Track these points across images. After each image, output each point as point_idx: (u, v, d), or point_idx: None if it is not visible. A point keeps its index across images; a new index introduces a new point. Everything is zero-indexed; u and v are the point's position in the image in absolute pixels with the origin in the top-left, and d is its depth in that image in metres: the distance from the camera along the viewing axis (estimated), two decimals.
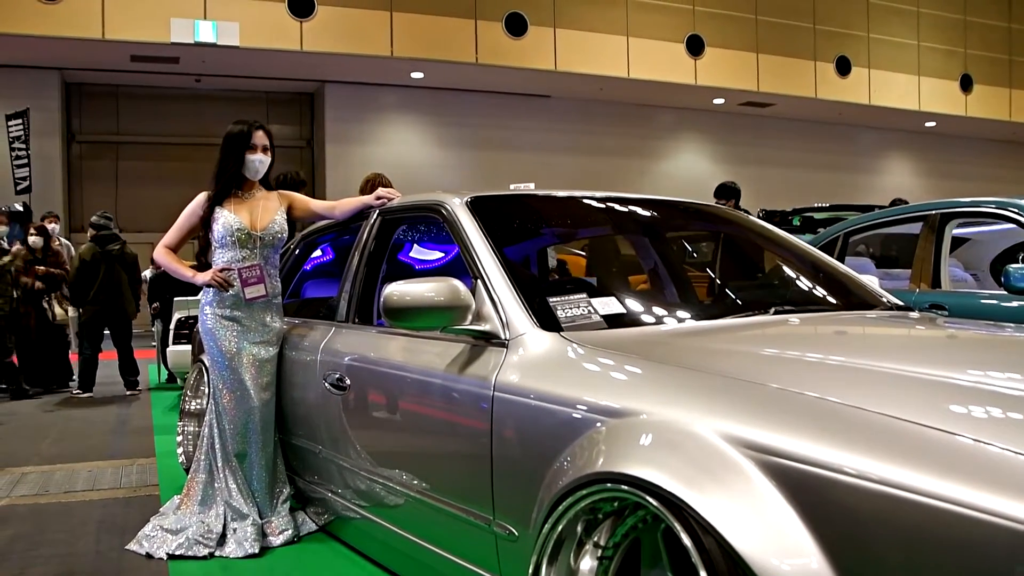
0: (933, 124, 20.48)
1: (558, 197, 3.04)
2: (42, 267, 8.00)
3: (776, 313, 2.39)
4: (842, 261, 4.51)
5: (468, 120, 17.25)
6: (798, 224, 7.88)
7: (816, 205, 9.07)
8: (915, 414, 1.35)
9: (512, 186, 3.15)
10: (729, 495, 1.40)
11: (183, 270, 3.39)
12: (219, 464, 3.28)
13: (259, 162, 3.36)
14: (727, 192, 7.24)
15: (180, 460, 4.13)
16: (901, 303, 2.75)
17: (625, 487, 1.57)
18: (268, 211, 3.38)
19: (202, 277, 3.30)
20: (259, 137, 3.37)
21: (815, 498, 1.32)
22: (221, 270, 3.28)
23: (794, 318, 2.37)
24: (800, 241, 3.13)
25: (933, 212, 4.29)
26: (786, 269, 3.04)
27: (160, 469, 4.57)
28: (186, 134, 16.03)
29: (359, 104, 16.58)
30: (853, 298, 2.72)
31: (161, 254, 3.44)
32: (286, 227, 3.42)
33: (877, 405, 1.40)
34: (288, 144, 16.74)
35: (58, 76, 15.30)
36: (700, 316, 2.49)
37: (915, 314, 2.60)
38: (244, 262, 3.30)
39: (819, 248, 3.95)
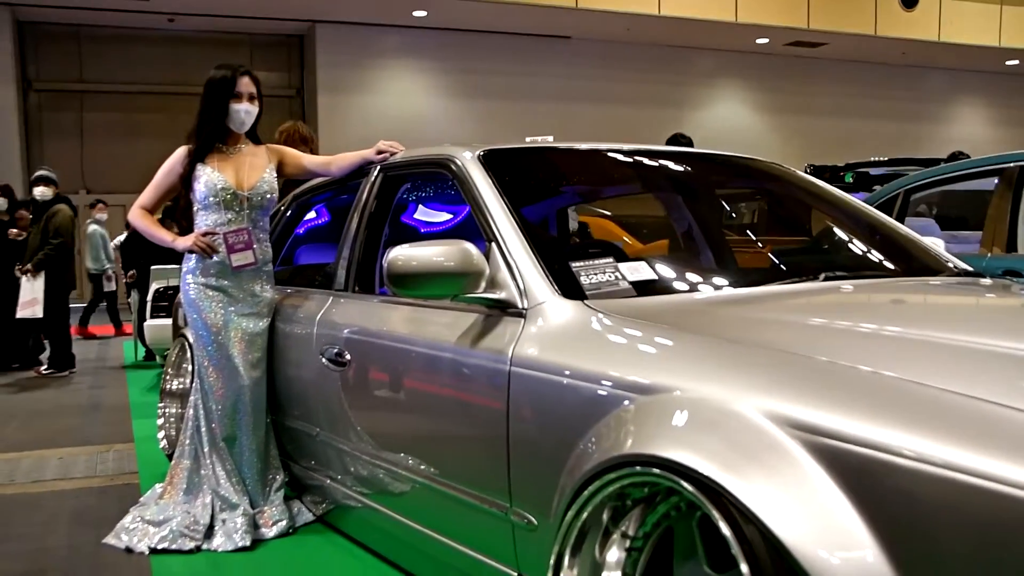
0: (1015, 62, 20.10)
1: (580, 150, 3.04)
2: (14, 230, 8.07)
3: (827, 279, 2.40)
4: (902, 222, 4.49)
5: (478, 65, 17.15)
6: (851, 181, 7.83)
7: (873, 159, 8.99)
8: (985, 391, 1.36)
9: (528, 139, 3.15)
10: (773, 480, 1.42)
11: (162, 234, 3.42)
12: (205, 449, 3.33)
13: (245, 112, 3.37)
14: (678, 145, 7.05)
15: (162, 445, 4.19)
16: (970, 268, 2.75)
17: (657, 471, 1.59)
18: (256, 168, 3.40)
19: (183, 242, 3.33)
20: (245, 84, 3.38)
21: (870, 484, 1.33)
22: (204, 234, 3.30)
23: (847, 285, 2.38)
24: (854, 199, 3.12)
25: (1011, 165, 4.25)
26: (838, 231, 3.03)
27: (139, 455, 4.64)
28: (159, 82, 16.02)
29: (355, 47, 16.51)
30: (914, 263, 2.72)
31: (137, 216, 3.46)
32: (276, 186, 3.44)
33: (941, 381, 1.41)
34: (275, 93, 16.69)
35: (9, 13, 15.23)
36: (740, 283, 2.51)
37: (986, 281, 2.60)
38: (230, 225, 3.33)
39: (876, 207, 3.93)
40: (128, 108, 16.19)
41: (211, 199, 3.32)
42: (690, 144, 6.95)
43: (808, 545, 1.34)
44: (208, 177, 3.32)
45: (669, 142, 7.02)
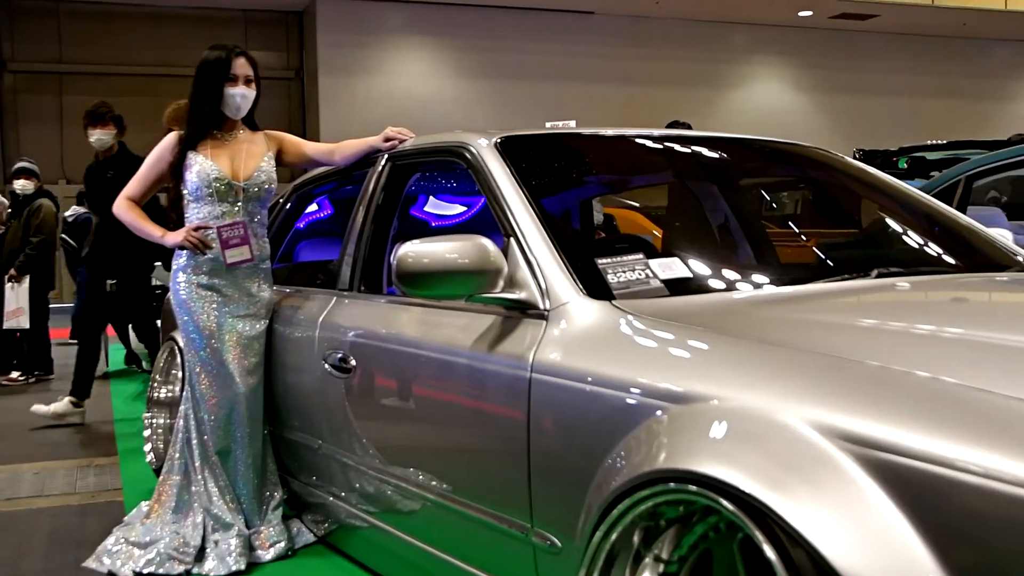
0: None
1: (606, 137, 3.04)
2: None
3: (879, 276, 2.39)
4: (964, 211, 4.46)
5: (494, 43, 17.15)
6: (906, 167, 7.79)
7: (929, 143, 8.93)
8: None
9: (549, 124, 3.15)
10: (823, 498, 1.41)
11: (149, 228, 3.43)
12: (196, 463, 3.34)
13: (241, 97, 3.38)
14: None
15: (148, 459, 4.22)
16: None
17: (693, 488, 1.58)
18: (253, 156, 3.41)
19: (172, 237, 3.34)
20: (240, 66, 3.39)
21: (932, 502, 1.32)
22: (196, 228, 3.31)
23: (902, 282, 2.37)
24: (909, 187, 3.11)
25: None
26: (891, 222, 3.02)
27: (123, 470, 4.66)
28: (146, 63, 16.09)
29: (360, 24, 16.54)
30: (978, 257, 2.71)
31: (122, 208, 3.48)
32: (275, 176, 3.45)
33: (1010, 388, 1.40)
34: (272, 75, 16.71)
35: None
36: (783, 280, 2.50)
37: None
38: (224, 218, 3.34)
39: (933, 196, 3.91)
40: (112, 91, 16.17)
41: (204, 190, 3.33)
42: (689, 130, 6.93)
43: (863, 571, 1.33)
44: (201, 166, 3.34)
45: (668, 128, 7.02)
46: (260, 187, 3.39)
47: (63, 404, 5.83)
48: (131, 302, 5.99)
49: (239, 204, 3.36)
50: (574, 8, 17.30)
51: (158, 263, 6.21)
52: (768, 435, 1.53)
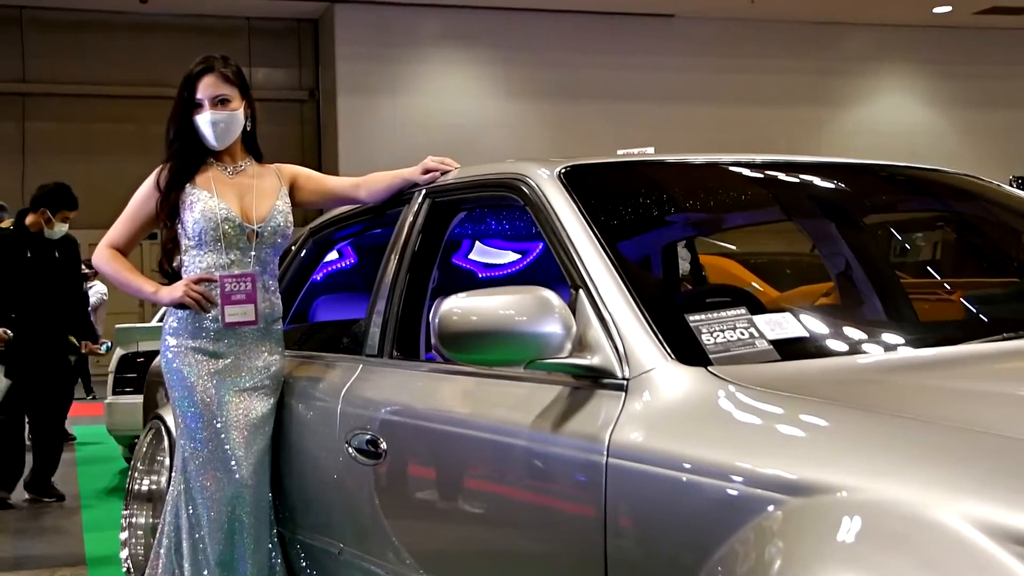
0: None
1: (694, 165, 3.05)
2: None
3: None
4: None
5: (550, 56, 17.32)
6: None
7: None
8: None
9: (622, 153, 3.17)
10: None
11: (140, 282, 3.43)
12: (187, 573, 3.34)
13: (213, 124, 3.37)
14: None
15: (125, 567, 4.21)
16: None
17: None
18: (265, 193, 3.43)
19: (169, 293, 3.31)
20: (206, 86, 3.38)
21: None
22: (197, 281, 3.29)
23: None
24: None
25: None
26: None
27: None
28: (128, 82, 16.43)
29: (385, 34, 16.79)
30: None
31: (104, 259, 3.48)
32: (291, 217, 3.46)
33: None
34: (281, 96, 17.04)
35: None
36: (924, 341, 2.49)
37: None
38: (232, 269, 3.33)
39: None
40: (85, 116, 16.59)
41: (210, 234, 3.32)
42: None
43: None
44: (206, 204, 3.33)
45: None
46: (276, 231, 3.40)
47: None
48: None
49: (251, 252, 3.36)
50: (650, 11, 17.43)
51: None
52: (915, 536, 1.51)
